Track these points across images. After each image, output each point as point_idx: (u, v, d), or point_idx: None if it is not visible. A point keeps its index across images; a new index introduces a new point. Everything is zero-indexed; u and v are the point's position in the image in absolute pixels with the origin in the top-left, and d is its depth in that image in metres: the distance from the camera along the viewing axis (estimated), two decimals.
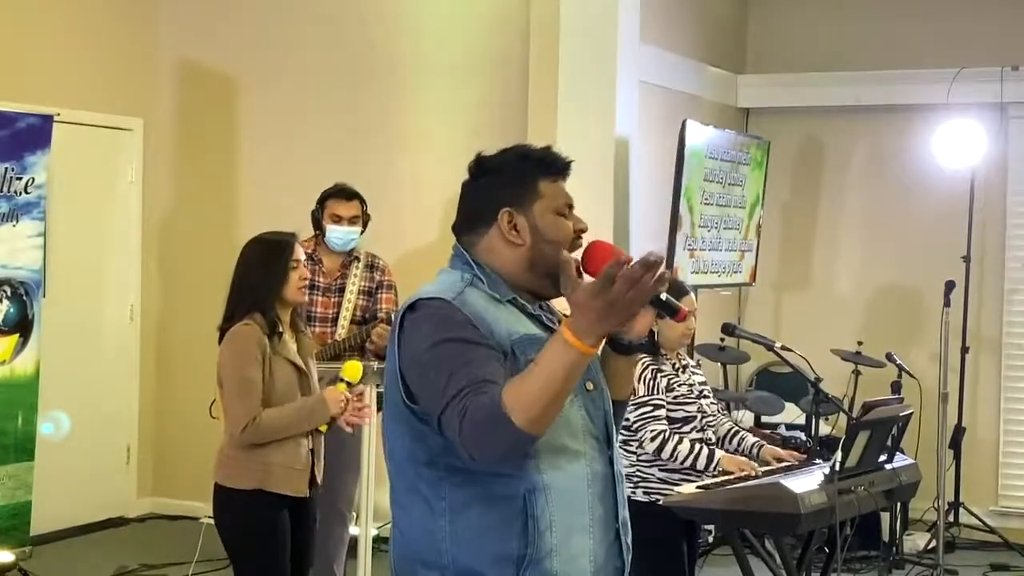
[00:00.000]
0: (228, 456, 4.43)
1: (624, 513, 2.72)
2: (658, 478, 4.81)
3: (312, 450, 4.54)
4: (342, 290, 5.93)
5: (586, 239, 2.82)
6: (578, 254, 2.73)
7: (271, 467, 4.40)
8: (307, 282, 4.58)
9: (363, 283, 5.97)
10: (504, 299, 2.64)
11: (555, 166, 2.75)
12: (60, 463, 7.20)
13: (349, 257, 5.98)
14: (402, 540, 2.65)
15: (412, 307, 2.59)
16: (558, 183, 2.75)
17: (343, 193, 5.97)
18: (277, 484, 4.41)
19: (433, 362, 2.51)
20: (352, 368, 4.64)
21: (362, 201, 6.01)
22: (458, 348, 2.50)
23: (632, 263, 2.36)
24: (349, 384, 4.60)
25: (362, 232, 6.02)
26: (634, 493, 4.82)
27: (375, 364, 5.07)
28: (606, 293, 2.35)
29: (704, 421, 4.93)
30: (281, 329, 4.46)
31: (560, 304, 2.79)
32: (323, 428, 4.56)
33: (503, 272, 2.67)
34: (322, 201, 6.01)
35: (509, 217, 2.67)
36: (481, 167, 2.74)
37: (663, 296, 2.60)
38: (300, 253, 4.54)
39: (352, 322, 5.93)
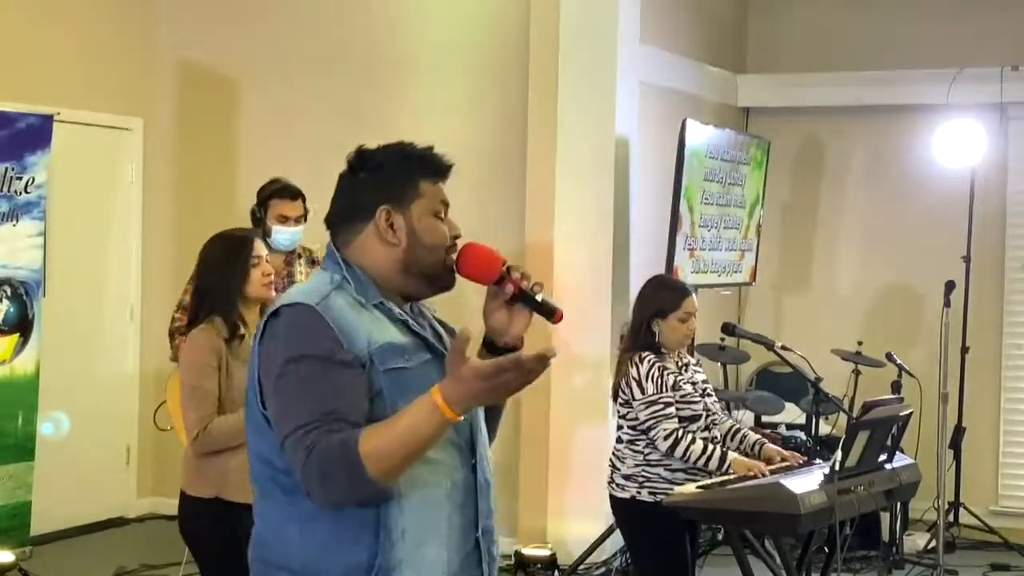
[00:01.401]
0: (189, 464, 4.32)
1: (487, 522, 2.67)
2: (663, 478, 4.81)
3: None
4: None
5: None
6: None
7: (229, 474, 4.23)
8: (271, 278, 4.40)
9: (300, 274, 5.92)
10: (370, 303, 2.59)
11: (437, 167, 2.68)
12: (60, 463, 7.20)
13: (291, 254, 5.87)
14: (258, 541, 2.64)
15: (276, 313, 2.56)
16: (438, 184, 2.68)
17: (288, 192, 5.78)
18: (235, 492, 4.21)
19: (285, 380, 2.48)
20: None
21: (304, 198, 5.90)
22: (312, 369, 2.46)
23: (526, 357, 2.35)
24: None
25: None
26: (639, 493, 4.83)
27: None
28: (496, 378, 2.36)
29: (709, 419, 4.93)
30: (243, 331, 4.27)
31: (436, 300, 2.77)
32: None
33: (375, 272, 2.63)
34: (264, 200, 5.84)
35: (387, 216, 2.62)
36: (361, 161, 2.68)
37: (540, 298, 2.63)
38: (262, 249, 4.37)
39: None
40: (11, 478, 6.60)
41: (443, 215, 2.67)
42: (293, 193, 5.80)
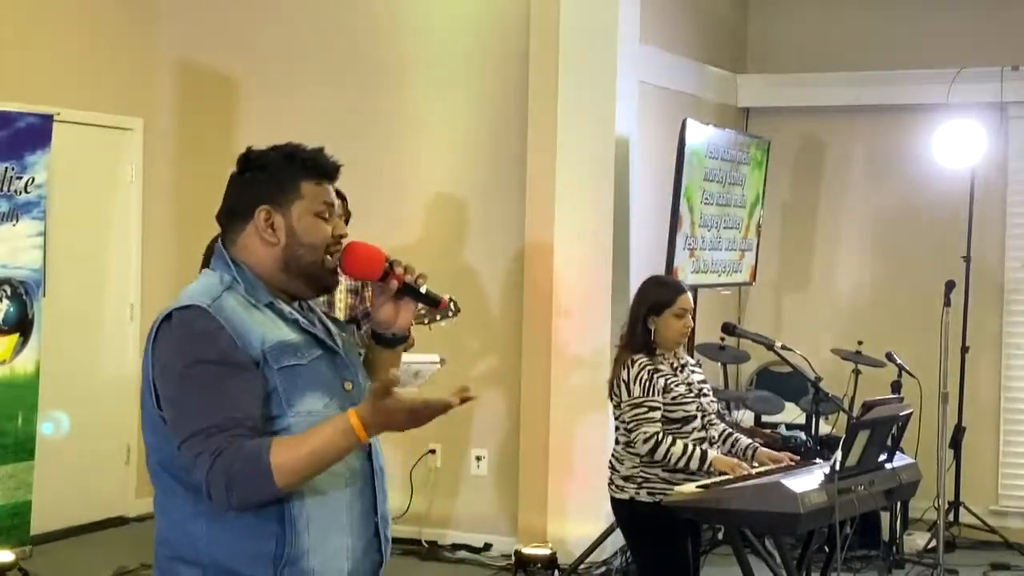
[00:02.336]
0: None
1: (384, 508, 2.77)
2: (661, 478, 4.80)
3: None
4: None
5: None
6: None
7: None
8: None
9: (350, 281, 5.93)
10: (261, 303, 2.66)
11: (320, 168, 2.74)
12: (60, 463, 7.20)
13: None
14: (161, 539, 2.68)
15: (168, 317, 2.62)
16: (322, 185, 2.73)
17: None
18: None
19: (183, 384, 2.54)
20: None
21: (343, 199, 5.93)
22: (209, 373, 2.52)
23: (428, 403, 2.46)
24: None
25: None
26: (638, 494, 4.82)
27: None
28: (420, 412, 2.48)
29: (705, 419, 4.92)
30: None
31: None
32: None
33: (259, 271, 2.69)
34: None
35: (267, 215, 2.68)
36: (248, 162, 2.75)
37: (423, 290, 2.74)
38: None
39: (346, 321, 5.90)
40: (11, 478, 6.60)
41: (327, 216, 2.72)
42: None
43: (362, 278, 2.76)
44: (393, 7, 7.74)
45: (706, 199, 7.49)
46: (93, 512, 7.73)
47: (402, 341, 2.85)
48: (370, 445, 2.71)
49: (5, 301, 6.52)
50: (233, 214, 2.73)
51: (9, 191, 6.45)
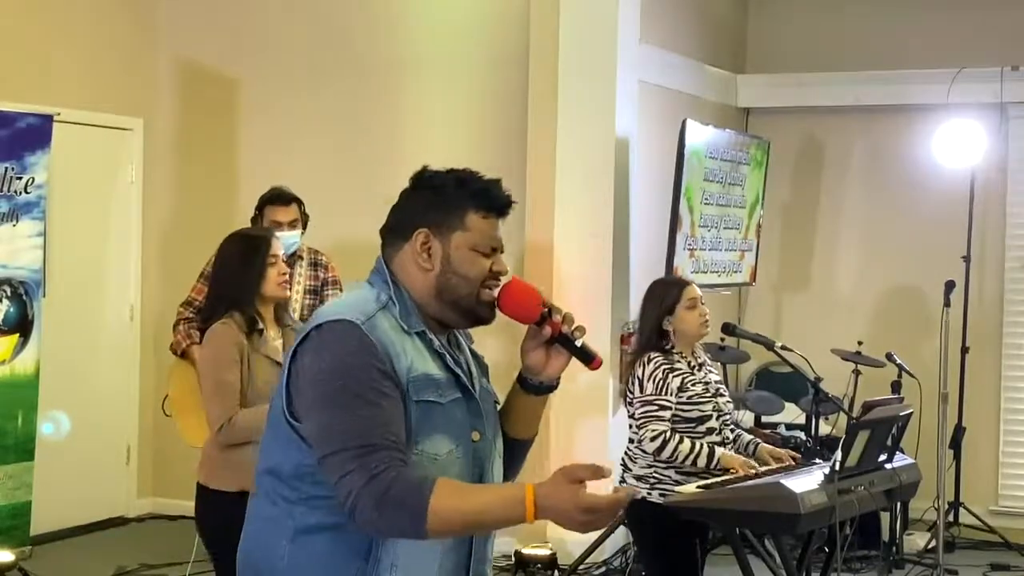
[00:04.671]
0: (210, 457, 4.33)
1: (480, 568, 2.63)
2: (673, 480, 4.79)
3: None
4: None
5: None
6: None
7: (252, 467, 4.30)
8: (287, 277, 4.46)
9: (308, 282, 5.93)
10: (413, 331, 2.55)
11: (491, 202, 2.61)
12: (60, 463, 7.20)
13: (292, 257, 5.86)
14: (247, 545, 2.61)
15: (319, 327, 2.51)
16: (490, 220, 2.61)
17: (280, 199, 5.87)
18: None
19: (336, 398, 2.44)
20: None
21: (299, 203, 5.98)
22: (364, 389, 2.43)
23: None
24: None
25: (303, 233, 5.97)
26: (649, 495, 4.81)
27: None
28: (597, 519, 2.36)
29: (721, 420, 4.90)
30: (262, 326, 4.34)
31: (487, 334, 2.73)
32: None
33: (414, 294, 2.58)
34: (260, 207, 5.91)
35: (424, 239, 2.58)
36: (421, 179, 2.64)
37: (579, 343, 2.64)
38: (278, 248, 4.44)
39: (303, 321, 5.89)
40: (11, 478, 6.60)
41: (488, 253, 2.60)
42: (285, 199, 5.90)
43: (517, 319, 2.65)
44: (393, 7, 7.74)
45: (706, 199, 7.49)
46: (93, 512, 7.73)
47: (550, 390, 2.71)
48: None
49: (5, 301, 6.52)
50: (394, 230, 2.63)
51: (9, 191, 6.45)
